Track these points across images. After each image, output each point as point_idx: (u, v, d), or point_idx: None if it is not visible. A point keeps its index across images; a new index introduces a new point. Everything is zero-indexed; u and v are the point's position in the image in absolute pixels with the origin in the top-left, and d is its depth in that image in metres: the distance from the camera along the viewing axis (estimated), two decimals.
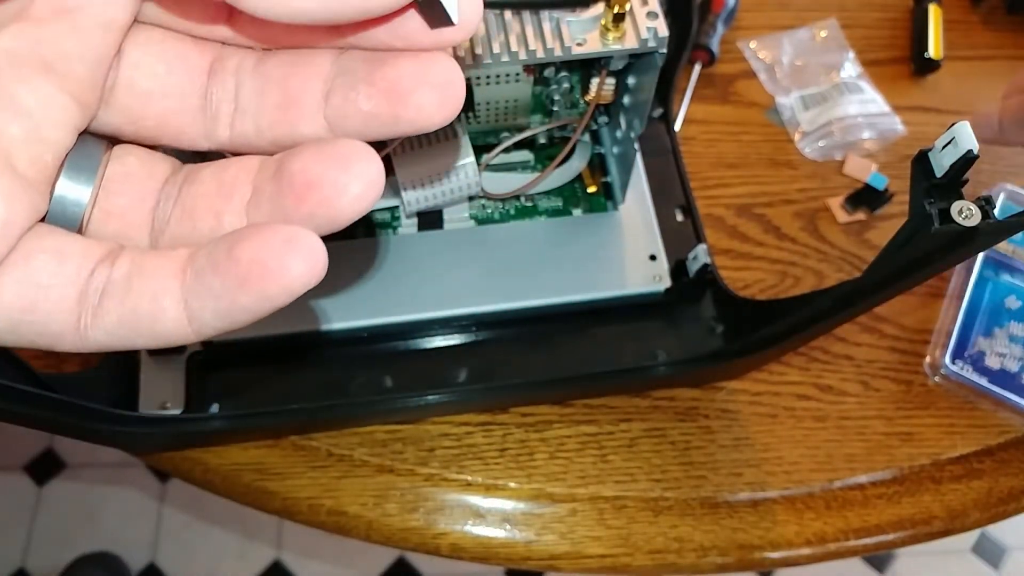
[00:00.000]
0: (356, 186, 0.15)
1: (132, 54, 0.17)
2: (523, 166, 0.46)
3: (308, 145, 0.15)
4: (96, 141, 0.17)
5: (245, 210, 0.16)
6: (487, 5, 0.32)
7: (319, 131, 0.17)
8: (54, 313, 0.15)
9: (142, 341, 0.16)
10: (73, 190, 0.17)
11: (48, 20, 0.15)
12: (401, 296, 0.41)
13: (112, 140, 0.18)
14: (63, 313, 0.15)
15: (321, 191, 0.15)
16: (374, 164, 0.15)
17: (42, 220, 0.16)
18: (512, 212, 0.45)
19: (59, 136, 0.16)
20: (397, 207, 0.42)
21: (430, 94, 0.16)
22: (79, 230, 0.17)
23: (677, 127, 0.51)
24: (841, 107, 0.52)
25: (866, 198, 0.49)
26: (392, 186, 0.40)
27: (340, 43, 0.17)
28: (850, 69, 0.54)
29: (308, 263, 0.14)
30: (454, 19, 0.15)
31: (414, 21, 0.15)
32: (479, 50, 0.32)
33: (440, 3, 0.15)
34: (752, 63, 0.55)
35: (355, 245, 0.43)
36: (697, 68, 0.54)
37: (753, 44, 0.56)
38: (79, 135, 0.16)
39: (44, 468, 1.09)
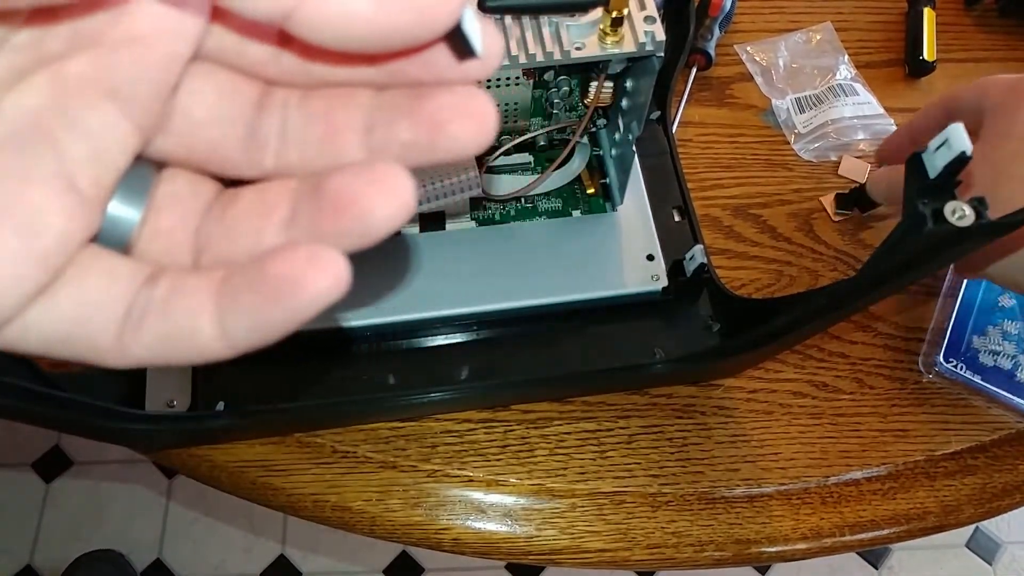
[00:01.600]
0: (388, 205, 0.16)
1: (189, 84, 0.18)
2: (523, 168, 0.46)
3: (346, 167, 0.16)
4: (148, 164, 0.18)
5: (284, 227, 0.17)
6: (489, 10, 0.32)
7: (360, 160, 0.18)
8: (102, 329, 0.16)
9: (179, 357, 0.16)
10: (125, 210, 0.17)
11: (120, 48, 0.16)
12: (404, 296, 0.42)
13: (160, 165, 0.19)
14: (110, 328, 0.16)
15: (355, 209, 0.16)
16: (406, 184, 0.16)
17: (94, 238, 0.17)
18: (512, 213, 0.45)
19: (118, 158, 0.16)
20: None
21: (466, 124, 0.17)
22: (128, 248, 0.18)
23: (674, 129, 0.51)
24: (836, 109, 0.53)
25: (861, 199, 0.49)
26: None
27: (377, 80, 0.18)
28: (845, 72, 0.55)
29: (331, 278, 0.15)
30: (478, 51, 0.16)
31: (443, 56, 0.17)
32: None
33: (465, 35, 0.16)
34: (748, 66, 0.56)
35: None
36: (694, 71, 0.54)
37: (749, 48, 0.56)
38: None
39: (52, 465, 1.10)
